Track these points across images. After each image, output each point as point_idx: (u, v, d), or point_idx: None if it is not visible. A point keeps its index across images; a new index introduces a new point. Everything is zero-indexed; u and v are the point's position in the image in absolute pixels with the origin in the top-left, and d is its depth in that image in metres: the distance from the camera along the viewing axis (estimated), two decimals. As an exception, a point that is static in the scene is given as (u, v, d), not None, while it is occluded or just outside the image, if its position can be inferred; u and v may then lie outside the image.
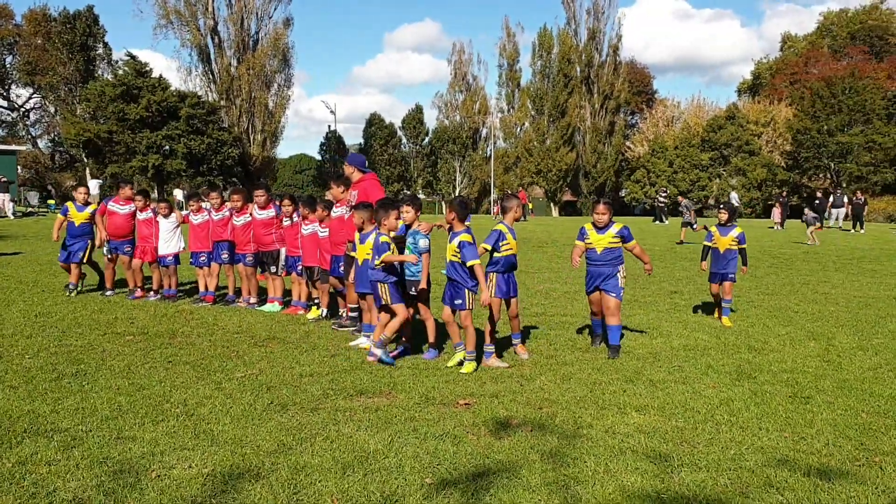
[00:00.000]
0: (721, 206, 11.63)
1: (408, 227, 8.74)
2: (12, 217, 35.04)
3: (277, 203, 11.84)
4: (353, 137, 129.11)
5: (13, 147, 49.55)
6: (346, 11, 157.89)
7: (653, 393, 7.19)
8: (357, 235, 9.32)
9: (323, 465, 5.21)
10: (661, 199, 45.91)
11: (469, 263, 7.90)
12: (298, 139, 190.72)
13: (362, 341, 9.29)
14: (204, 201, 12.29)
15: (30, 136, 68.96)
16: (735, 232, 11.10)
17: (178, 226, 12.57)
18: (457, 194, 68.89)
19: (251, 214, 11.77)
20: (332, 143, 73.92)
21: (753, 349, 9.20)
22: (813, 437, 5.93)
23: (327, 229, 10.67)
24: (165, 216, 12.49)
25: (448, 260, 8.16)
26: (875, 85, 58.27)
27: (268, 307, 11.73)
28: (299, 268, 11.42)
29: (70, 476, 4.98)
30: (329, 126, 79.04)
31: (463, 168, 74.16)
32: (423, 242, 8.48)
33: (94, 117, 54.82)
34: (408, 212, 8.66)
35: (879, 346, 9.47)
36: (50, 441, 5.63)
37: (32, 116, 71.13)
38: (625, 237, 8.83)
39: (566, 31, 72.54)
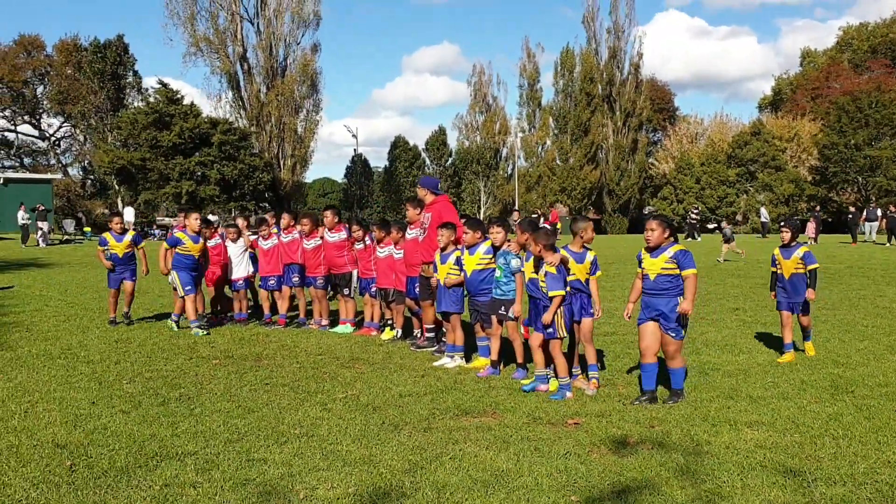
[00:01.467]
0: (783, 223, 10.00)
1: (496, 248, 8.83)
2: (44, 245, 35.41)
3: (347, 225, 11.99)
4: (374, 160, 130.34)
5: (49, 175, 50.28)
6: (364, 36, 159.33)
7: (757, 409, 7.21)
8: (438, 256, 9.45)
9: (463, 484, 5.28)
10: (693, 216, 45.94)
11: (552, 294, 7.85)
12: (319, 163, 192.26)
13: (446, 361, 9.38)
14: (272, 226, 12.46)
15: (60, 165, 69.85)
16: (800, 252, 9.69)
17: (245, 250, 12.72)
18: (481, 214, 69.10)
19: (322, 237, 11.90)
20: (358, 166, 74.36)
21: (839, 364, 9.19)
22: (938, 451, 5.95)
23: (402, 251, 10.79)
24: (234, 241, 12.66)
25: (534, 281, 8.10)
26: (903, 98, 58.02)
27: (340, 329, 11.84)
28: (372, 289, 11.54)
29: (220, 498, 5.08)
30: (354, 150, 79.53)
31: (487, 188, 74.35)
32: (514, 262, 8.56)
33: (126, 145, 55.45)
34: (497, 232, 8.77)
35: (966, 359, 9.44)
36: (184, 464, 5.73)
37: (63, 145, 72.17)
38: (679, 263, 7.47)
39: (588, 50, 72.86)
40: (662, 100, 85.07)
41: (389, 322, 11.49)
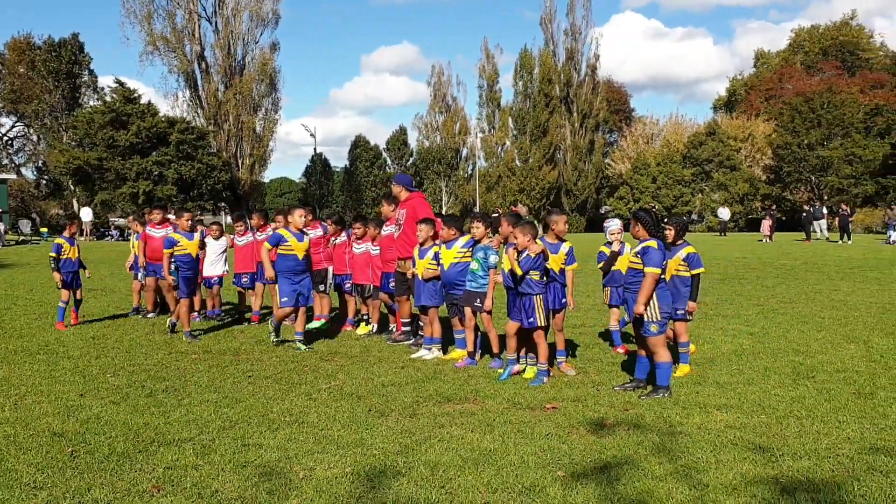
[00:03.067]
0: (666, 220, 8.96)
1: (476, 241, 9.13)
2: (0, 246, 34.91)
3: (323, 223, 12.19)
4: (333, 160, 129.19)
5: (3, 176, 49.44)
6: (322, 35, 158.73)
7: (725, 393, 7.59)
8: (416, 250, 9.72)
9: (453, 463, 5.56)
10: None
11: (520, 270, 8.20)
12: (276, 162, 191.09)
13: (424, 353, 9.64)
14: (245, 224, 12.61)
15: (13, 165, 68.60)
16: (683, 253, 8.66)
17: (226, 249, 12.86)
18: (444, 213, 69.35)
19: (296, 234, 12.07)
20: (318, 165, 74.21)
21: (799, 352, 9.64)
22: (893, 428, 6.37)
23: (378, 247, 11.02)
24: (216, 238, 12.77)
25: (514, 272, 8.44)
26: (852, 99, 59.63)
27: (314, 324, 12.02)
28: (347, 285, 11.75)
29: (222, 478, 5.29)
30: (314, 149, 79.69)
31: (449, 188, 74.76)
32: (493, 258, 8.87)
33: (81, 144, 54.76)
34: (478, 227, 9.07)
35: (916, 346, 9.96)
36: (182, 449, 5.93)
37: (16, 145, 70.87)
38: (642, 259, 7.58)
39: (545, 51, 73.65)
40: (619, 101, 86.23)
41: (365, 317, 11.71)
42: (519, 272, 8.08)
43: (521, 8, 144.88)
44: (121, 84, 52.96)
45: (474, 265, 9.02)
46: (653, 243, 7.59)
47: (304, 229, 11.84)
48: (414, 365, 9.17)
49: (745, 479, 5.19)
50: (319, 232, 12.01)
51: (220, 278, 12.93)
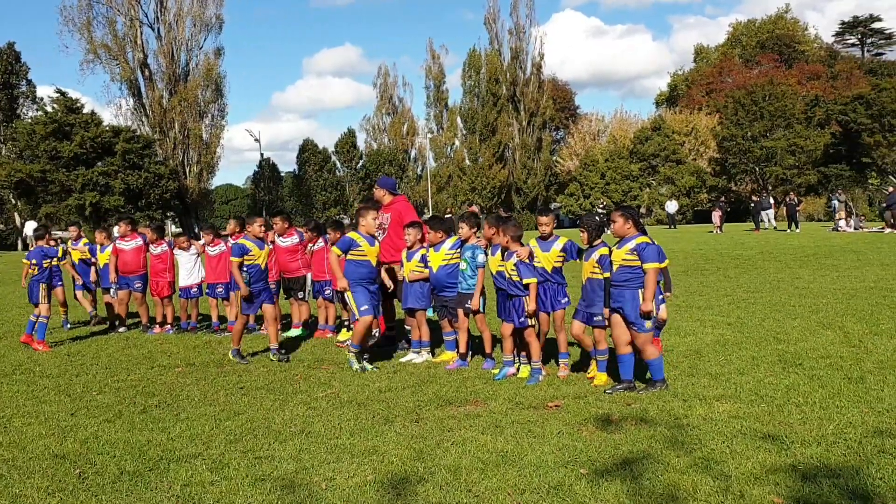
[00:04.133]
0: (579, 222, 8.66)
1: (463, 242, 9.14)
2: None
3: (300, 229, 12.08)
4: (279, 164, 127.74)
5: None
6: (263, 39, 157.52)
7: (719, 384, 7.71)
8: (404, 253, 9.69)
9: (474, 466, 5.55)
10: (600, 211, 47.33)
11: (526, 281, 8.22)
12: (220, 169, 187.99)
13: (413, 357, 9.61)
14: (215, 234, 12.44)
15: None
16: (596, 254, 8.04)
17: (198, 256, 12.67)
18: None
19: (272, 242, 11.94)
20: (266, 171, 73.42)
21: (780, 340, 9.85)
22: (892, 410, 6.54)
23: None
24: (186, 249, 12.58)
25: (501, 273, 8.46)
26: (792, 91, 61.10)
27: (293, 332, 11.91)
28: (326, 292, 11.66)
29: (243, 493, 5.21)
30: (261, 154, 78.92)
31: (401, 189, 74.64)
32: (480, 257, 8.88)
33: (22, 157, 53.42)
34: (463, 228, 9.08)
35: (891, 330, 10.23)
36: (193, 466, 5.82)
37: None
38: (641, 255, 7.52)
39: (492, 51, 74.07)
40: (563, 99, 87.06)
41: (346, 323, 11.61)
42: (516, 278, 8.15)
43: (463, 9, 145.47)
44: (62, 94, 51.76)
45: (463, 266, 9.03)
46: (647, 239, 7.61)
47: (282, 237, 11.79)
48: (406, 369, 9.14)
49: (765, 468, 5.28)
50: (296, 239, 11.90)
51: (199, 287, 12.72)
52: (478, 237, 9.22)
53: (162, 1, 57.90)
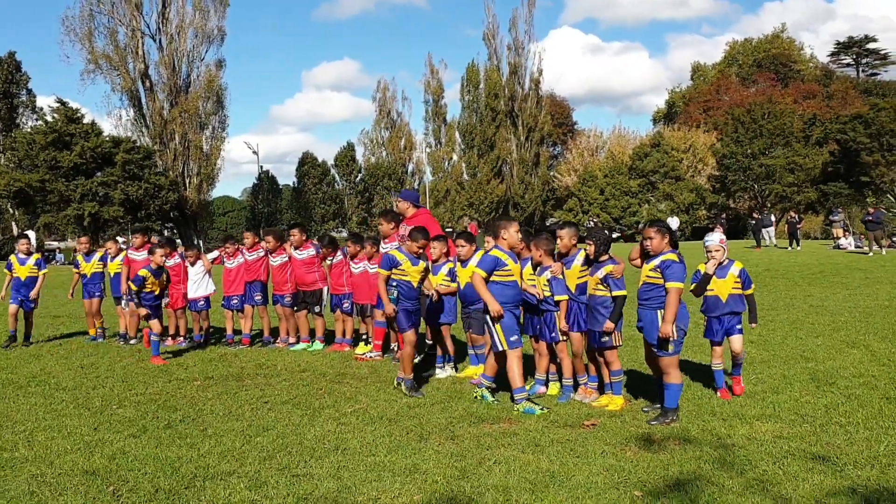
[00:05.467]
0: (587, 235, 8.14)
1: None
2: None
3: (316, 243, 11.95)
4: (277, 177, 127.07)
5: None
6: (263, 52, 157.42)
7: (755, 403, 7.58)
8: (430, 267, 9.54)
9: (522, 486, 5.40)
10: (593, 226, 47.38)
11: (557, 298, 8.05)
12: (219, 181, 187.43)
13: (437, 372, 9.48)
14: (236, 245, 12.29)
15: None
16: (602, 272, 7.68)
17: (207, 271, 12.51)
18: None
19: (289, 255, 11.80)
20: (265, 183, 73.28)
21: (808, 359, 9.72)
22: (940, 432, 6.42)
23: (377, 266, 10.79)
24: (192, 264, 12.42)
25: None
26: (790, 110, 61.28)
27: (301, 346, 11.75)
28: (345, 305, 11.51)
29: (287, 513, 5.05)
30: (260, 167, 78.89)
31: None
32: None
33: (21, 166, 53.20)
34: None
35: (918, 350, 10.13)
36: (229, 483, 5.65)
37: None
38: (664, 273, 7.11)
39: (491, 66, 74.16)
40: (561, 114, 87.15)
41: (364, 336, 11.45)
42: (548, 294, 7.99)
43: (463, 24, 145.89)
44: (62, 103, 51.57)
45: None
46: (674, 256, 7.23)
47: (298, 249, 11.64)
48: (431, 384, 8.99)
49: (824, 491, 5.14)
50: (312, 252, 11.76)
51: (207, 300, 12.54)
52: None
53: (164, 12, 57.84)
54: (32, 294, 12.86)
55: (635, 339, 9.57)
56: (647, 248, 7.39)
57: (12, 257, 13.14)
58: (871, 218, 29.95)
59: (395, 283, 8.67)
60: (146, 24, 58.21)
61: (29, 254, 13.18)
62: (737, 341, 8.00)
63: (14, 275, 12.94)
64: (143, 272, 11.24)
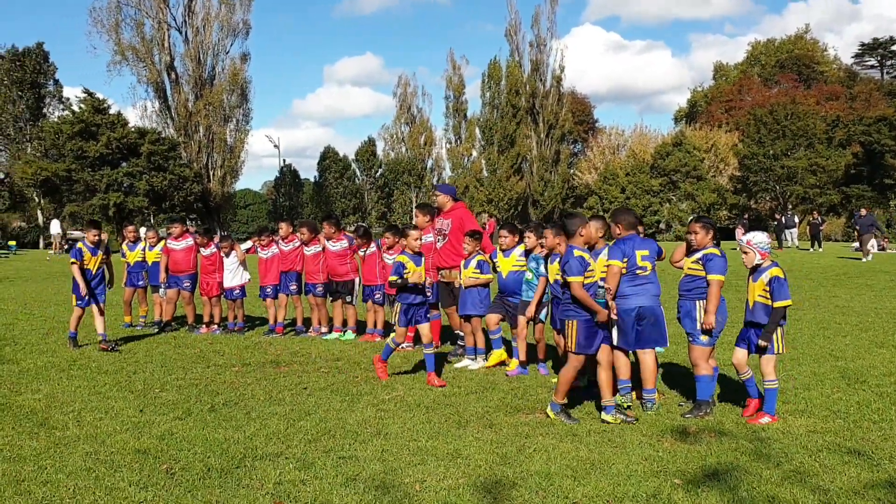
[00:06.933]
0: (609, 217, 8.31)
1: (528, 252, 9.16)
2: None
3: (348, 234, 12.14)
4: (298, 171, 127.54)
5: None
6: (285, 46, 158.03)
7: (789, 399, 7.69)
8: (462, 262, 9.72)
9: (564, 472, 5.55)
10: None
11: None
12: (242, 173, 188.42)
13: (468, 363, 9.63)
14: (271, 237, 12.51)
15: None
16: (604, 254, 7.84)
17: (241, 261, 12.72)
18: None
19: (323, 246, 12.00)
20: (287, 177, 73.67)
21: (838, 357, 9.81)
22: (974, 430, 6.51)
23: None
24: (227, 254, 12.64)
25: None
26: (813, 111, 60.89)
27: (333, 335, 11.94)
28: (377, 296, 11.69)
29: (339, 493, 5.22)
30: (283, 160, 79.37)
31: (419, 199, 74.75)
32: (542, 267, 8.88)
33: (47, 155, 53.80)
34: (529, 237, 9.10)
35: (948, 351, 10.19)
36: (278, 464, 5.84)
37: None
38: (706, 266, 7.32)
39: (512, 63, 74.09)
40: (582, 112, 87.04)
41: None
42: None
43: (483, 21, 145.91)
44: (89, 94, 52.07)
45: (529, 275, 9.05)
46: (717, 251, 7.48)
47: (331, 241, 11.84)
48: (464, 375, 9.15)
49: (863, 484, 5.26)
50: (345, 243, 11.94)
51: (242, 289, 12.76)
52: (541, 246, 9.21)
53: (190, 5, 58.24)
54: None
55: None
56: (691, 241, 7.52)
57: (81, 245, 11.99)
58: (864, 220, 30.36)
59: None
60: (172, 17, 58.62)
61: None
62: (765, 362, 7.14)
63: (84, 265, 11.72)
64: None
